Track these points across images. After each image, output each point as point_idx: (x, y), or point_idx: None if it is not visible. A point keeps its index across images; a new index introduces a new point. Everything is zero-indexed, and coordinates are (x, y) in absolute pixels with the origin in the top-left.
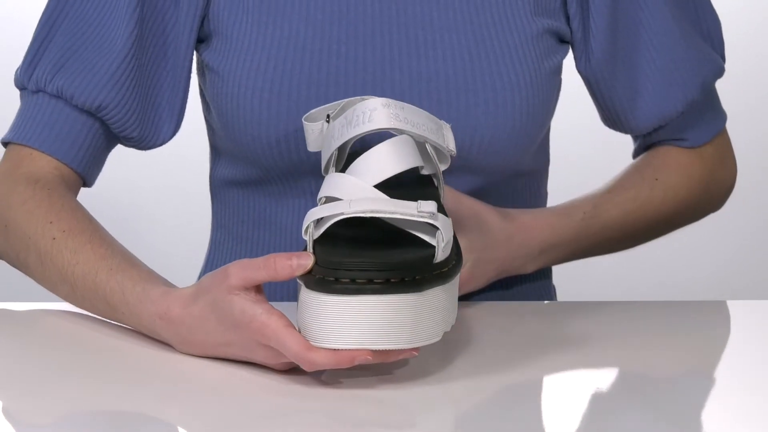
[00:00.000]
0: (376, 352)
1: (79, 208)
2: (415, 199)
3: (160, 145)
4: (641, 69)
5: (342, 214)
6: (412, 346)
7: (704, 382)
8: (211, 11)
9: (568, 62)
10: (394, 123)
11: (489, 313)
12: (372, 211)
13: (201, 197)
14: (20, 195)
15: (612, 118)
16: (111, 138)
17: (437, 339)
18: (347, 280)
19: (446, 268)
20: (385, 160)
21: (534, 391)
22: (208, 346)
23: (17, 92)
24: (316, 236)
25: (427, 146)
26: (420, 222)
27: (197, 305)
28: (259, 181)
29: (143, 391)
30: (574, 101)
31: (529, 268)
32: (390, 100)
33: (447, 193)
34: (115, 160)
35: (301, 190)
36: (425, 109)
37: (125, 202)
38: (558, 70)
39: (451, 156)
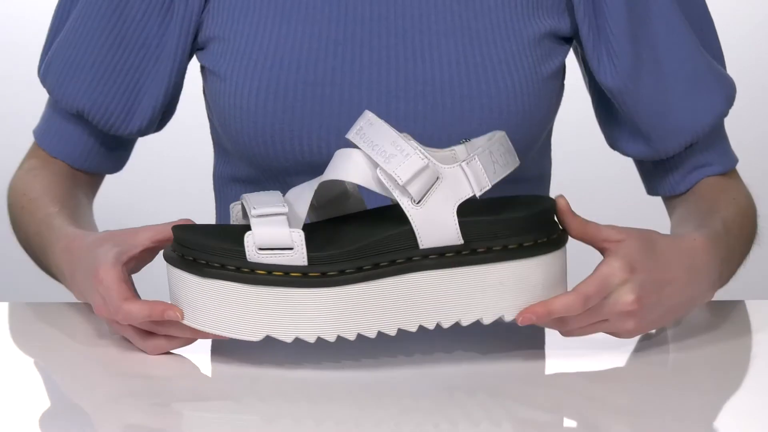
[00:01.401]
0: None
1: (58, 181)
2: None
3: (143, 135)
4: (667, 81)
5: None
6: (191, 325)
7: (703, 382)
8: (207, 15)
9: (572, 65)
10: (351, 135)
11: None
12: (241, 199)
13: (203, 195)
14: (26, 168)
15: (639, 140)
16: (107, 134)
17: (249, 338)
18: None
19: (265, 272)
20: (328, 168)
21: (536, 390)
22: (79, 287)
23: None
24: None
25: (378, 170)
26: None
27: (91, 238)
28: (257, 179)
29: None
30: (576, 102)
31: (713, 292)
32: (367, 114)
33: (610, 231)
34: None
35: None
36: (420, 114)
37: (126, 201)
38: (557, 73)
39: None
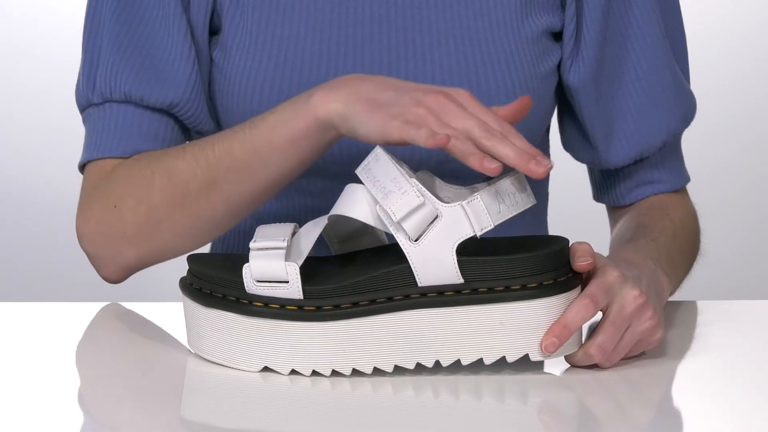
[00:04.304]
0: None
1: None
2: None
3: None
4: (625, 89)
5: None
6: (196, 352)
7: (703, 382)
8: (217, 8)
9: None
10: (358, 170)
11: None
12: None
13: None
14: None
15: (589, 146)
16: (186, 131)
17: (247, 369)
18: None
19: (262, 304)
20: (336, 204)
21: (530, 388)
22: (365, 90)
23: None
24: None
25: (377, 207)
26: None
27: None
28: None
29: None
30: None
31: (669, 288)
32: (376, 150)
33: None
34: None
35: (299, 188)
36: None
37: None
38: (555, 70)
39: (393, 224)
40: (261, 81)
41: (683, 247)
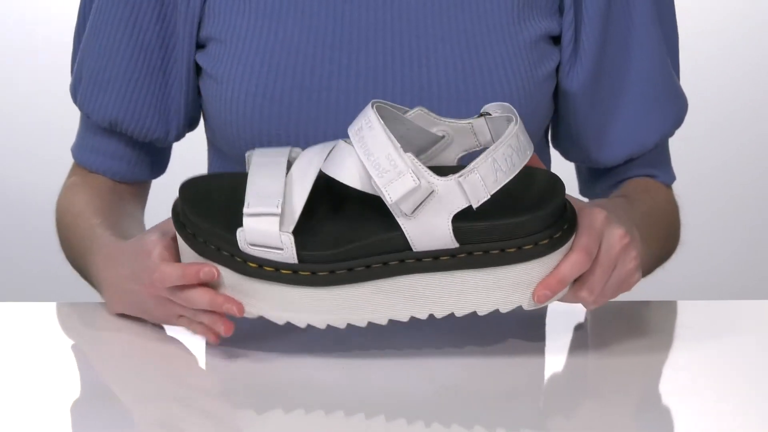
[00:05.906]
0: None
1: (99, 195)
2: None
3: (177, 140)
4: (623, 93)
5: None
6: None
7: (702, 382)
8: (206, 16)
9: None
10: (352, 132)
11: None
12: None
13: None
14: (68, 186)
15: (580, 147)
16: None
17: (254, 315)
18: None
19: (256, 265)
20: (328, 160)
21: (529, 390)
22: (122, 285)
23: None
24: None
25: (371, 180)
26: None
27: (133, 239)
28: None
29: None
30: None
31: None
32: (368, 112)
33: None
34: None
35: None
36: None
37: None
38: (552, 74)
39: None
40: (254, 86)
41: (658, 222)
